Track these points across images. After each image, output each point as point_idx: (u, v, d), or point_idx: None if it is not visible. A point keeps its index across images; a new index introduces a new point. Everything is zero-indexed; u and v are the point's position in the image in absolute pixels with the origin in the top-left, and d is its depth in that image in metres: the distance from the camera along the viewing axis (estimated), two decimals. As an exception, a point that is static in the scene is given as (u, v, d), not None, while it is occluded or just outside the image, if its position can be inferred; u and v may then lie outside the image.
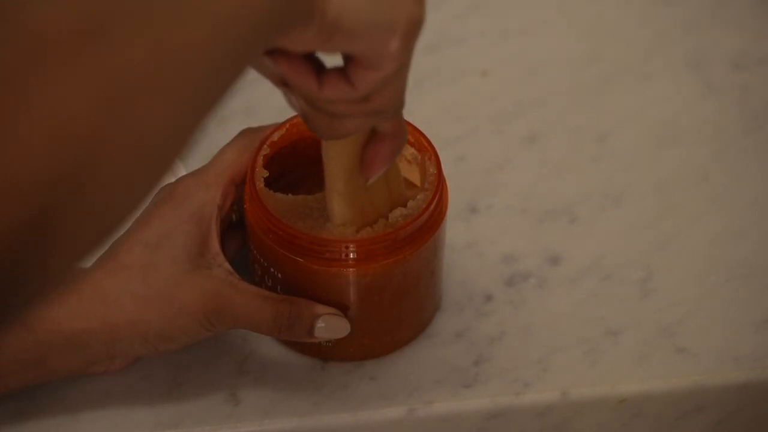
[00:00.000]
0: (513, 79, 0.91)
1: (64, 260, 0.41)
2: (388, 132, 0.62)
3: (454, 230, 0.80)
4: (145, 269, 0.68)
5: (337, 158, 0.65)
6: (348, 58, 0.56)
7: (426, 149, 0.72)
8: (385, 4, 0.54)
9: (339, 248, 0.68)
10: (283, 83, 0.58)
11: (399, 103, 0.59)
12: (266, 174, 0.71)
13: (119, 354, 0.70)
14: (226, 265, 0.69)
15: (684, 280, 0.79)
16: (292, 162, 0.74)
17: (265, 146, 0.71)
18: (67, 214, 0.39)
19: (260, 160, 0.71)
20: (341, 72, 0.56)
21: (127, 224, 0.43)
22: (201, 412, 0.72)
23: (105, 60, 0.40)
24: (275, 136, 0.72)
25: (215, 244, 0.69)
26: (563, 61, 0.92)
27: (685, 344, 0.76)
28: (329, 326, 0.70)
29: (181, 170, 0.78)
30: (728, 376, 0.75)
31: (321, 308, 0.69)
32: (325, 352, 0.73)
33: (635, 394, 0.74)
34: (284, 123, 0.72)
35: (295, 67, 0.56)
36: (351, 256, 0.68)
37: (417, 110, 0.85)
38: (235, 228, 0.74)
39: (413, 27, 0.55)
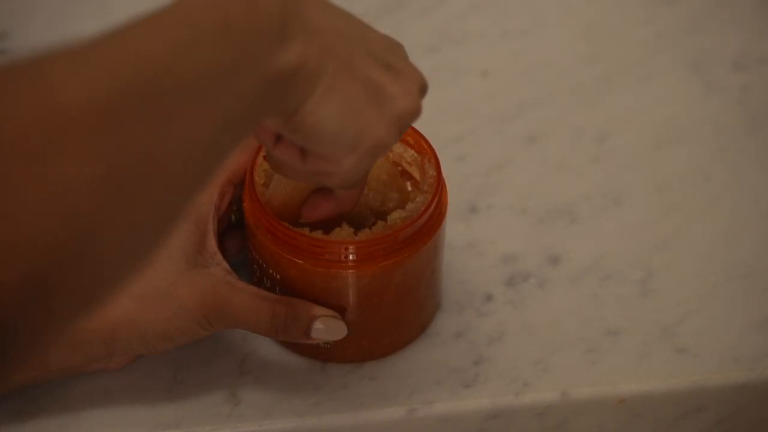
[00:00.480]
0: (513, 79, 0.91)
1: (63, 317, 0.43)
2: (336, 193, 0.66)
3: (454, 230, 0.80)
4: (144, 268, 0.68)
5: (280, 182, 0.69)
6: None
7: (425, 151, 0.72)
8: (354, 124, 0.57)
9: (338, 250, 0.68)
10: None
11: (351, 183, 0.62)
12: (264, 178, 0.71)
13: (118, 352, 0.70)
14: (224, 264, 0.69)
15: (684, 280, 0.79)
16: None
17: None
18: (67, 277, 0.42)
19: (260, 160, 0.71)
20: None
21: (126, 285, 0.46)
22: (201, 411, 0.72)
23: (117, 141, 0.42)
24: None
25: (212, 243, 0.69)
26: (563, 61, 0.92)
27: (685, 344, 0.76)
28: (326, 328, 0.69)
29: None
30: (728, 377, 0.75)
31: (318, 310, 0.69)
32: (323, 354, 0.73)
33: (635, 394, 0.74)
34: None
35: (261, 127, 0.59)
36: (350, 257, 0.68)
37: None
38: (234, 229, 0.74)
39: (375, 150, 0.59)
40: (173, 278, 0.68)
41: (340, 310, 0.70)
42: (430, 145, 0.72)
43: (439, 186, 0.70)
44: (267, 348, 0.74)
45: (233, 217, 0.74)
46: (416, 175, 0.73)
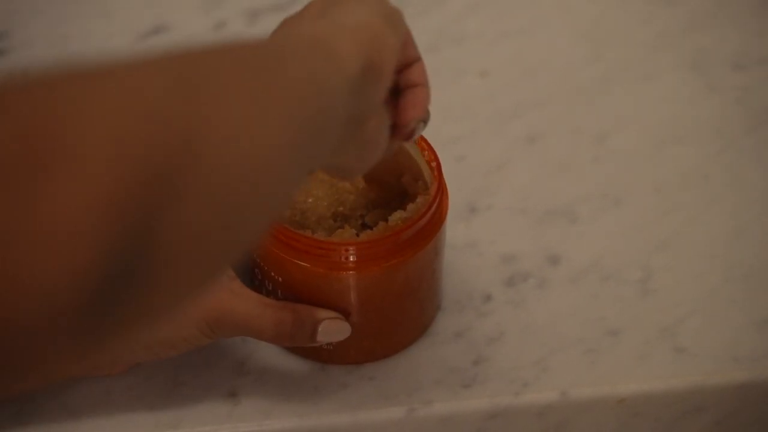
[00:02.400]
0: (512, 79, 0.91)
1: (167, 278, 0.39)
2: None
3: (454, 230, 0.80)
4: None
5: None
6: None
7: (425, 151, 0.72)
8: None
9: (340, 251, 0.68)
10: None
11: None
12: None
13: (121, 360, 0.70)
14: (229, 270, 0.69)
15: (684, 280, 0.79)
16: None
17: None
18: (172, 215, 0.38)
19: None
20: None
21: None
22: (201, 412, 0.72)
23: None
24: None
25: None
26: (563, 61, 0.92)
27: (684, 344, 0.76)
28: (331, 330, 0.69)
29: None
30: (728, 376, 0.75)
31: (322, 313, 0.69)
32: (325, 356, 0.73)
33: (635, 394, 0.74)
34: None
35: (406, 106, 0.61)
36: (351, 259, 0.68)
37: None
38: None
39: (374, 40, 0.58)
40: None
41: (342, 312, 0.70)
42: (430, 146, 0.72)
43: (439, 187, 0.70)
44: (267, 349, 0.74)
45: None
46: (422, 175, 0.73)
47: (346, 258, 0.68)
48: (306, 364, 0.74)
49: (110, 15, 0.93)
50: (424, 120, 0.62)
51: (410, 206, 0.70)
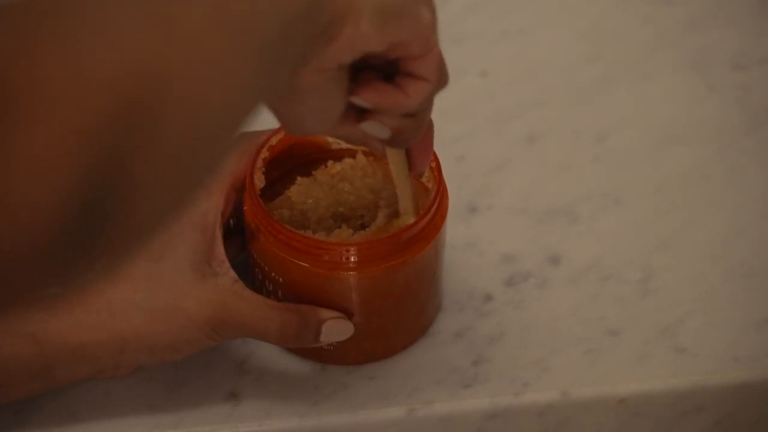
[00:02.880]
0: (512, 79, 0.91)
1: (142, 201, 0.42)
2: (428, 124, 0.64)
3: (454, 230, 0.80)
4: (151, 280, 0.67)
5: (403, 161, 0.67)
6: (396, 63, 0.58)
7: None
8: None
9: (340, 252, 0.68)
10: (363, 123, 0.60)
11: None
12: (263, 181, 0.71)
13: (124, 364, 0.69)
14: (232, 273, 0.69)
15: (684, 280, 0.79)
16: (290, 165, 0.74)
17: (263, 150, 0.71)
18: (144, 141, 0.41)
19: (259, 163, 0.71)
20: (399, 81, 0.59)
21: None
22: (201, 412, 0.72)
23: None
24: (273, 140, 0.72)
25: (220, 251, 0.69)
26: (563, 61, 0.92)
27: (685, 344, 0.76)
28: (334, 329, 0.69)
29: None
30: (728, 376, 0.75)
31: (326, 313, 0.69)
32: (325, 356, 0.73)
33: (635, 394, 0.74)
34: (281, 127, 0.72)
35: (381, 91, 0.58)
36: (352, 259, 0.68)
37: (417, 110, 0.85)
38: (233, 233, 0.74)
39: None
40: (181, 290, 0.67)
41: (342, 312, 0.70)
42: (429, 146, 0.72)
43: (439, 187, 0.70)
44: (267, 349, 0.74)
45: (232, 222, 0.74)
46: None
47: (347, 258, 0.68)
48: (306, 364, 0.74)
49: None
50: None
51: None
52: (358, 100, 0.59)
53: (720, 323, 0.77)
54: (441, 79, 0.60)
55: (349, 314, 0.70)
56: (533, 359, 0.75)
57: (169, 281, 0.67)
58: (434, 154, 0.71)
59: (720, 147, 0.87)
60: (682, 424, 0.76)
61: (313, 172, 0.74)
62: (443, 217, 0.70)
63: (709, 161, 0.86)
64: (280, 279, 0.70)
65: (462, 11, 0.95)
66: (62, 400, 0.72)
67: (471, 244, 0.80)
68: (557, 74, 0.91)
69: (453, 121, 0.87)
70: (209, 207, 0.69)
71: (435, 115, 0.88)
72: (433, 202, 0.69)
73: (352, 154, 0.74)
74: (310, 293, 0.69)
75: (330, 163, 0.74)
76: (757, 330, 0.77)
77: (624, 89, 0.91)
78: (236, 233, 0.74)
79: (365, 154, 0.74)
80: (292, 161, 0.74)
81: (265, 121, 0.77)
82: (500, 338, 0.76)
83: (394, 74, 0.59)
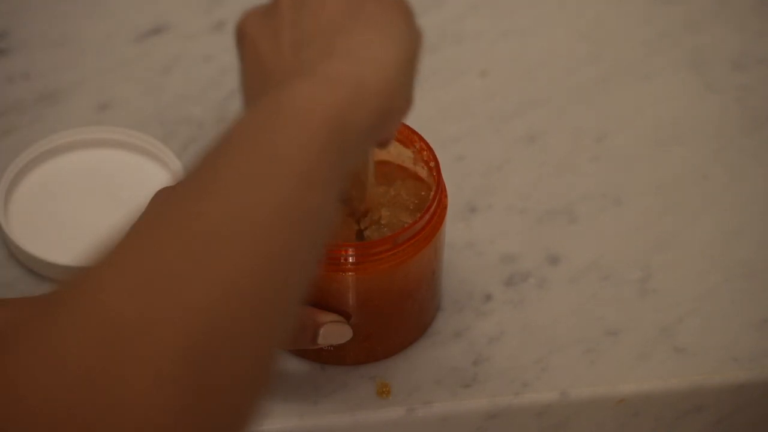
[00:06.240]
0: (512, 79, 0.91)
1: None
2: None
3: (453, 230, 0.80)
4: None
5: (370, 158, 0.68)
6: None
7: (425, 153, 0.72)
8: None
9: (339, 252, 0.68)
10: None
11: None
12: None
13: None
14: None
15: (684, 280, 0.79)
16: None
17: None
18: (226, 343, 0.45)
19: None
20: None
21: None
22: (200, 412, 0.72)
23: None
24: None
25: None
26: (563, 61, 0.92)
27: (684, 344, 0.76)
28: (332, 333, 0.69)
29: (179, 166, 0.78)
30: (728, 376, 0.75)
31: (324, 316, 0.69)
32: (325, 357, 0.73)
33: (634, 394, 0.74)
34: None
35: None
36: (351, 260, 0.68)
37: (416, 110, 0.84)
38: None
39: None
40: None
41: (342, 312, 0.70)
42: (429, 147, 0.72)
43: (439, 187, 0.70)
44: (266, 348, 0.74)
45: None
46: (422, 174, 0.73)
47: (346, 259, 0.68)
48: (306, 364, 0.74)
49: (110, 15, 0.93)
50: None
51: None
52: None
53: (719, 323, 0.77)
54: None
55: (348, 314, 0.70)
56: (533, 359, 0.75)
57: None
58: (434, 154, 0.71)
59: (720, 147, 0.87)
60: (681, 424, 0.76)
61: None
62: (442, 217, 0.70)
63: (708, 161, 0.86)
64: (280, 279, 0.70)
65: (462, 11, 0.95)
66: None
67: (470, 244, 0.80)
68: (557, 74, 0.91)
69: (452, 121, 0.87)
70: None
71: (435, 115, 0.88)
72: (432, 202, 0.69)
73: None
74: (310, 293, 0.69)
75: None
76: (757, 330, 0.77)
77: (624, 89, 0.91)
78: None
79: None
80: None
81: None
82: (500, 338, 0.76)
83: None
